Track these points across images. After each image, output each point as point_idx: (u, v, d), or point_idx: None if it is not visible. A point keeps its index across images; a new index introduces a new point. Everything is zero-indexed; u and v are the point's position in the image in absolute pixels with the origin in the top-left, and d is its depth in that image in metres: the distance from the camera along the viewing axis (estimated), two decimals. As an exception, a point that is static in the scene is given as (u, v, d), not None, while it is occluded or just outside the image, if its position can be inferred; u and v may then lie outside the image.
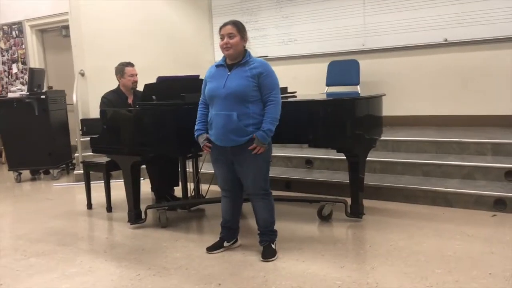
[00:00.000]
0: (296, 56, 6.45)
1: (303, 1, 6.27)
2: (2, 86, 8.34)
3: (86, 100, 6.36)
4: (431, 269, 2.82)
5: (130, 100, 4.46)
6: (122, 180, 3.97)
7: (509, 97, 5.16)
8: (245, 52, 3.02)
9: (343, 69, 5.88)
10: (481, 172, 4.20)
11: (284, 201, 4.23)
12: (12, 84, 8.08)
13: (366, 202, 3.92)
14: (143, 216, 3.97)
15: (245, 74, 2.95)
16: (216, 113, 3.00)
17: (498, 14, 5.06)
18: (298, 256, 3.12)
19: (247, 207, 3.42)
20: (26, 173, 6.33)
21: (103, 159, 4.48)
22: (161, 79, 4.20)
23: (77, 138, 6.01)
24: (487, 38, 5.16)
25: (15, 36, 8.02)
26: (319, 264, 2.98)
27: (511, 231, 3.40)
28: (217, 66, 3.10)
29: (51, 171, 6.25)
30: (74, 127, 6.17)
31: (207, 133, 3.11)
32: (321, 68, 6.03)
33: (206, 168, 4.48)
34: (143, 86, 3.89)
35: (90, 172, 4.61)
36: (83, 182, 4.66)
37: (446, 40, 5.40)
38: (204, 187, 4.51)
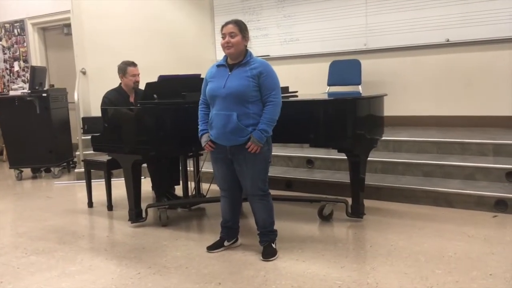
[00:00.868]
0: (297, 55, 6.44)
1: (305, 1, 6.27)
2: (4, 84, 8.35)
3: (88, 98, 6.37)
4: (431, 269, 2.82)
5: (131, 99, 4.47)
6: (123, 178, 3.98)
7: (511, 98, 5.15)
8: (246, 52, 3.02)
9: (344, 69, 5.87)
10: (482, 173, 4.19)
11: (284, 201, 4.23)
12: (13, 82, 8.09)
13: (367, 202, 3.91)
14: (143, 214, 3.97)
15: (245, 74, 2.94)
16: (216, 112, 3.00)
17: (501, 14, 5.05)
18: (299, 256, 3.12)
19: (247, 206, 3.42)
20: (27, 171, 6.34)
21: (104, 157, 4.48)
22: (162, 78, 4.20)
23: (78, 136, 6.00)
24: (490, 38, 5.15)
25: (17, 34, 8.03)
26: (320, 264, 2.98)
27: (512, 232, 3.40)
28: (218, 66, 3.09)
29: (52, 169, 6.26)
30: (75, 125, 6.18)
31: None
32: (322, 68, 6.02)
33: (207, 167, 4.47)
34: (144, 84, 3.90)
35: (91, 170, 4.62)
36: (84, 181, 4.67)
37: (448, 40, 5.39)
38: (204, 186, 4.51)
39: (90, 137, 4.13)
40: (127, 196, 3.95)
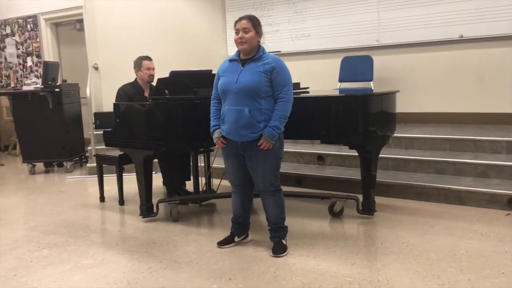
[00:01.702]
0: (309, 51, 6.41)
1: (317, -4, 6.24)
2: (17, 79, 8.43)
3: (100, 93, 6.41)
4: (443, 267, 2.80)
5: (146, 93, 4.51)
6: (135, 173, 4.00)
7: (525, 94, 5.10)
8: (259, 48, 3.01)
9: (356, 65, 5.83)
10: (495, 171, 4.15)
11: (295, 197, 4.22)
12: (26, 77, 8.17)
13: (378, 199, 3.90)
14: (154, 209, 4.00)
15: (257, 69, 2.94)
16: (228, 107, 3.00)
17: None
18: (309, 252, 3.11)
19: (258, 202, 3.42)
20: (40, 166, 6.41)
21: (116, 152, 4.51)
22: (174, 74, 4.21)
23: (90, 131, 6.06)
24: (504, 34, 5.09)
25: (30, 29, 8.09)
26: (330, 260, 2.98)
27: (525, 230, 3.36)
28: (231, 60, 3.09)
29: (64, 163, 6.31)
30: (88, 120, 6.22)
31: None
32: (334, 64, 5.99)
33: (218, 162, 4.49)
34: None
35: (103, 165, 4.65)
36: (96, 175, 4.70)
37: (462, 36, 5.33)
38: (215, 181, 4.52)
39: (102, 132, 4.16)
40: (139, 191, 3.97)
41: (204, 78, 3.94)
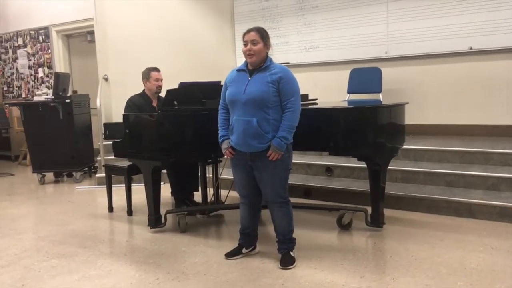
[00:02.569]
0: (317, 63, 6.43)
1: (325, 8, 6.26)
2: (28, 89, 8.53)
3: (109, 104, 6.47)
4: (453, 281, 2.77)
5: (155, 104, 4.54)
6: (143, 184, 4.01)
7: (535, 107, 5.06)
8: (266, 58, 3.02)
9: (365, 76, 5.83)
10: (506, 183, 4.11)
11: (303, 209, 4.21)
12: (38, 88, 8.26)
13: (387, 212, 3.87)
14: (162, 220, 4.00)
15: (265, 79, 2.94)
16: (236, 118, 3.00)
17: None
18: (317, 265, 3.09)
19: (266, 214, 3.41)
20: (49, 175, 6.45)
21: (124, 163, 4.53)
22: (182, 85, 4.24)
23: (99, 141, 6.10)
24: (513, 46, 5.08)
25: (41, 41, 8.20)
26: (338, 273, 2.95)
27: (537, 244, 3.32)
28: (238, 70, 3.10)
29: (74, 174, 6.34)
30: (97, 130, 6.27)
31: None
32: (342, 76, 6.00)
33: (226, 173, 4.49)
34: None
35: (112, 175, 4.68)
36: (105, 185, 4.73)
37: (471, 48, 5.31)
38: (223, 192, 4.52)
39: (111, 142, 4.19)
40: (147, 202, 3.98)
41: (213, 89, 3.96)
